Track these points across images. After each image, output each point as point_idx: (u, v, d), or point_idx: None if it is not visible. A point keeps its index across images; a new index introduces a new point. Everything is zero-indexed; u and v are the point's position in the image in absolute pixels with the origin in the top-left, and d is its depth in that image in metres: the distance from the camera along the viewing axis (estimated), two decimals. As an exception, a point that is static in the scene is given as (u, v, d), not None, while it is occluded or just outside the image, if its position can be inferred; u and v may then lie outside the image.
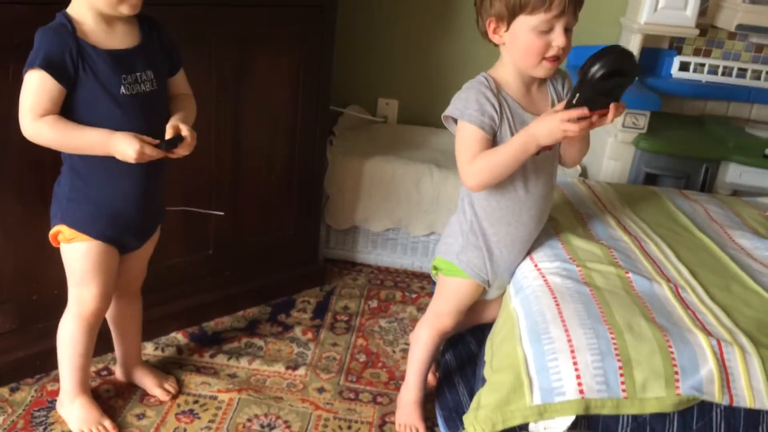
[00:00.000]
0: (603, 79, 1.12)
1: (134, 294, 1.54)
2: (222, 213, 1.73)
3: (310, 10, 1.82)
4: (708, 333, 1.16)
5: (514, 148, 1.27)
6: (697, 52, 2.43)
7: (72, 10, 1.20)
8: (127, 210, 1.33)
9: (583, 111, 1.17)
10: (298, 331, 1.88)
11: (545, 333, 1.19)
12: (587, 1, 2.35)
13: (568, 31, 1.26)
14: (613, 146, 2.13)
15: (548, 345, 1.17)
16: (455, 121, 1.34)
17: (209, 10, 1.61)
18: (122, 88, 1.22)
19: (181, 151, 1.29)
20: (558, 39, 1.25)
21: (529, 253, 1.47)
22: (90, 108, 1.21)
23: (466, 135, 1.32)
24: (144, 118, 1.26)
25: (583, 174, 2.28)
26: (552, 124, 1.21)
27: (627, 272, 1.34)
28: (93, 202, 1.30)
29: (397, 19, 2.48)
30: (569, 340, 1.16)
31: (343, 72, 2.43)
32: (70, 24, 1.18)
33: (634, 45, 2.24)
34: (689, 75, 2.38)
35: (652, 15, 2.17)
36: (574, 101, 1.18)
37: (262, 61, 1.76)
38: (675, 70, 2.38)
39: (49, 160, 1.38)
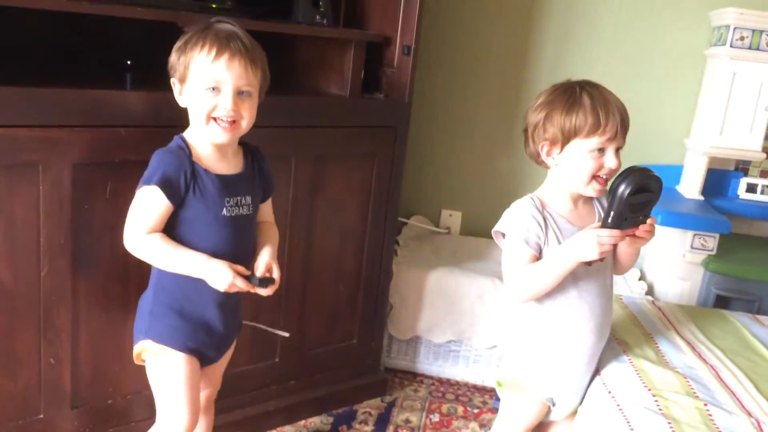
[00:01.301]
0: (630, 195, 1.23)
1: (209, 406, 1.55)
2: (288, 334, 1.76)
3: (383, 130, 1.91)
4: (797, 476, 1.11)
5: (553, 263, 1.32)
6: (764, 174, 2.43)
7: (188, 135, 1.31)
8: (211, 321, 1.36)
9: (614, 232, 1.26)
10: (359, 445, 1.86)
11: (623, 467, 1.16)
12: (652, 121, 2.45)
13: (617, 152, 1.32)
14: (682, 266, 2.11)
15: (627, 480, 1.13)
16: (504, 236, 1.40)
17: (291, 131, 1.71)
18: (224, 209, 1.31)
19: (268, 292, 1.34)
20: (610, 161, 1.32)
21: (597, 373, 1.45)
22: (190, 225, 1.29)
23: (512, 250, 1.38)
24: (237, 239, 1.33)
25: (650, 293, 2.25)
26: (588, 241, 1.27)
27: (706, 404, 1.30)
28: (177, 314, 1.33)
29: (462, 133, 2.58)
30: (649, 477, 1.12)
31: (409, 183, 2.51)
32: (187, 148, 1.29)
33: (699, 167, 2.26)
34: (757, 197, 2.37)
35: (718, 138, 2.20)
36: (609, 220, 1.26)
37: (335, 176, 1.85)
38: (742, 192, 2.37)
39: (135, 273, 1.46)
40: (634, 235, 1.31)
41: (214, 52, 1.22)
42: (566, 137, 1.33)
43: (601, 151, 1.32)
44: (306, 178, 1.78)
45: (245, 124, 1.29)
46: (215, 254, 1.28)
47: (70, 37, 1.70)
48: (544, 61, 2.48)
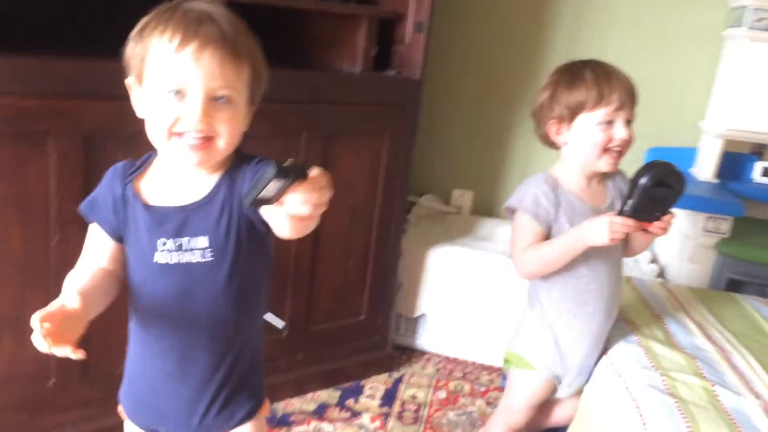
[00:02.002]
0: (651, 188, 1.22)
1: None
2: (284, 323, 1.77)
3: (395, 107, 1.90)
4: (803, 457, 1.11)
5: (563, 244, 1.33)
6: (780, 157, 2.40)
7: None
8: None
9: (628, 221, 1.26)
10: (366, 418, 1.87)
11: (627, 444, 1.16)
12: (667, 103, 2.42)
13: (628, 124, 1.31)
14: (694, 250, 2.09)
15: (631, 458, 1.14)
16: (514, 212, 1.41)
17: (301, 107, 1.70)
18: (155, 254, 0.96)
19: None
20: (620, 132, 1.31)
21: (604, 353, 1.45)
22: (131, 270, 1.01)
23: (520, 225, 1.38)
24: (185, 299, 0.98)
25: (661, 275, 2.24)
26: (601, 228, 1.27)
27: (713, 385, 1.30)
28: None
29: (474, 112, 2.56)
30: (653, 454, 1.12)
31: (420, 162, 2.50)
32: (138, 165, 1.03)
33: (714, 149, 2.23)
34: (772, 180, 2.34)
35: (734, 121, 2.17)
36: (625, 209, 1.26)
37: (346, 153, 1.84)
38: (757, 175, 2.35)
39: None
40: (646, 229, 1.30)
41: (177, 39, 0.87)
42: (573, 113, 1.34)
43: (610, 123, 1.31)
44: (316, 154, 1.77)
45: (222, 142, 0.92)
46: (160, 313, 0.99)
47: (85, 9, 1.70)
48: (558, 41, 2.45)
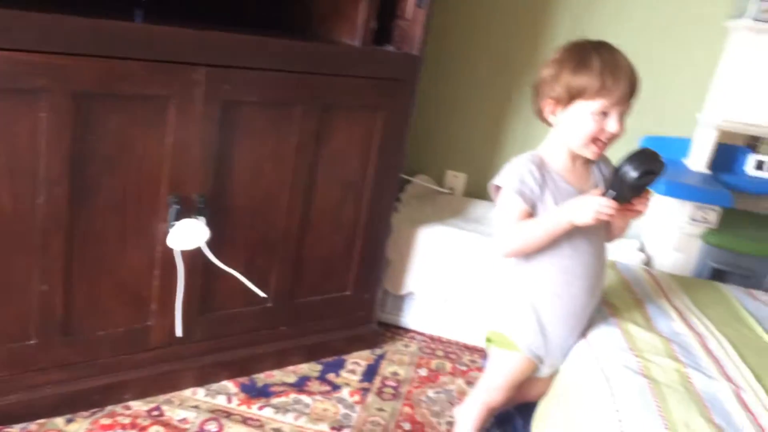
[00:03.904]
0: (638, 179, 1.25)
1: None
2: (265, 296, 1.78)
3: (392, 83, 1.90)
4: (769, 440, 1.12)
5: (547, 222, 1.34)
6: (773, 151, 2.40)
7: None
8: None
9: (613, 203, 1.27)
10: (345, 392, 1.89)
11: (598, 424, 1.17)
12: (665, 94, 2.42)
13: (622, 117, 1.31)
14: (680, 238, 2.10)
15: (600, 434, 1.15)
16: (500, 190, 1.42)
17: (298, 78, 1.70)
18: None
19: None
20: (612, 125, 1.31)
21: (584, 335, 1.46)
22: None
23: (506, 203, 1.39)
24: None
25: (647, 263, 2.24)
26: (586, 207, 1.29)
27: (687, 368, 1.31)
28: None
29: (472, 94, 2.56)
30: (622, 432, 1.13)
31: (415, 142, 2.50)
32: None
33: (708, 140, 2.24)
34: (764, 174, 2.34)
35: (730, 113, 2.17)
36: (610, 194, 1.28)
37: (341, 126, 1.84)
38: (750, 168, 2.35)
39: (132, 209, 1.46)
40: (628, 209, 1.32)
41: None
42: (571, 97, 1.32)
43: (605, 114, 1.30)
44: (311, 126, 1.77)
45: None
46: None
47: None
48: (560, 26, 2.44)
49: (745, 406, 1.22)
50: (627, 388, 1.23)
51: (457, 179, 2.65)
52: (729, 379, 1.31)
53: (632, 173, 1.24)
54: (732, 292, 1.78)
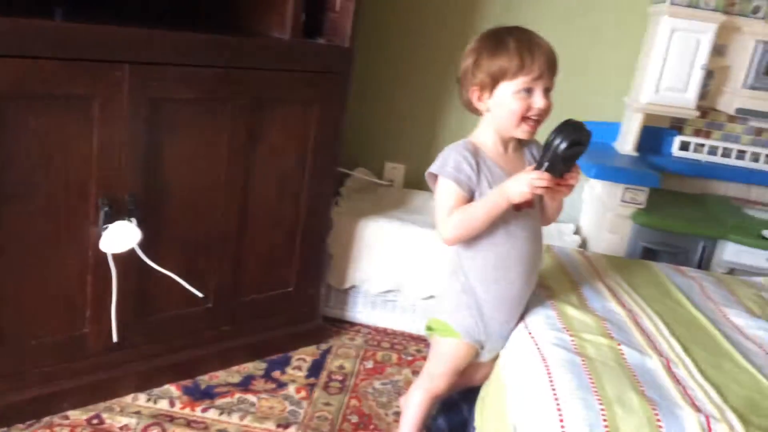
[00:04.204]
0: (566, 149, 1.28)
1: None
2: (203, 296, 1.75)
3: (324, 76, 1.89)
4: (697, 409, 1.16)
5: (486, 203, 1.36)
6: (697, 133, 2.49)
7: None
8: None
9: (546, 175, 1.30)
10: (291, 389, 1.88)
11: (535, 402, 1.20)
12: (594, 79, 2.48)
13: (547, 93, 1.34)
14: (612, 220, 2.16)
15: (538, 414, 1.17)
16: (436, 179, 1.43)
17: (228, 72, 1.67)
18: None
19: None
20: (538, 101, 1.34)
21: (522, 319, 1.49)
22: None
23: (443, 190, 1.40)
24: None
25: (583, 246, 2.30)
26: (521, 183, 1.31)
27: (619, 344, 1.35)
28: None
29: (408, 85, 2.57)
30: (559, 410, 1.16)
31: (353, 135, 2.50)
32: None
33: (635, 123, 2.30)
34: (689, 154, 2.44)
35: (654, 96, 2.24)
36: (542, 167, 1.31)
37: (274, 122, 1.82)
38: (676, 149, 2.44)
39: (66, 213, 1.41)
40: (559, 185, 1.35)
41: None
42: (494, 80, 1.35)
43: (529, 91, 1.34)
44: (244, 122, 1.75)
45: None
46: None
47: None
48: (492, 13, 2.47)
49: (675, 379, 1.27)
50: (563, 367, 1.26)
51: (396, 171, 2.66)
52: (660, 353, 1.35)
53: (562, 144, 1.27)
54: (662, 269, 1.84)
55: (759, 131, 2.49)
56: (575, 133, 1.28)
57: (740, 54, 2.30)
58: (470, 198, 1.40)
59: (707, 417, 1.14)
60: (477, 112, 1.46)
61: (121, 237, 1.54)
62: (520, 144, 1.48)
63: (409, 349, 2.19)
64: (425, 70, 2.55)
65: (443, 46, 2.52)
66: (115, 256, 1.56)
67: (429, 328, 1.55)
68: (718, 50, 2.30)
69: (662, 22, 2.19)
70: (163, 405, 1.74)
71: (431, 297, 2.22)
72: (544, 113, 1.37)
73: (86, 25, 1.42)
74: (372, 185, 2.62)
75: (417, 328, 2.28)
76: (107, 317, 1.63)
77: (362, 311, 2.30)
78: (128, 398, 1.74)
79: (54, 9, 1.59)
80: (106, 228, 1.53)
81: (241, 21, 1.93)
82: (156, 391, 1.79)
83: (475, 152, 1.41)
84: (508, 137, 1.43)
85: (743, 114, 2.31)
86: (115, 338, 1.65)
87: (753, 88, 2.27)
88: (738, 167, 2.43)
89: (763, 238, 2.10)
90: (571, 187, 1.39)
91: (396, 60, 2.55)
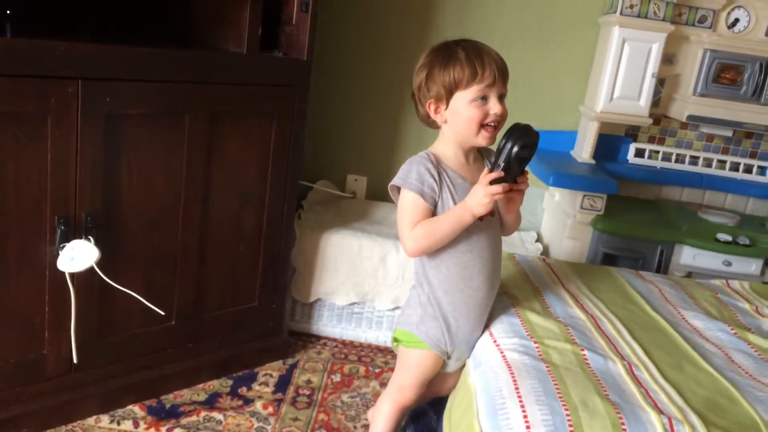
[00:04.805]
0: (518, 151, 1.32)
1: None
2: (163, 313, 1.72)
3: (283, 89, 1.88)
4: (660, 411, 1.19)
5: (451, 218, 1.38)
6: (651, 140, 2.55)
7: None
8: None
9: (500, 173, 1.34)
10: (258, 405, 1.86)
11: (502, 409, 1.21)
12: (550, 89, 2.52)
13: (501, 99, 1.37)
14: (572, 226, 2.20)
15: (504, 421, 1.18)
16: (399, 191, 1.44)
17: (183, 87, 1.66)
18: None
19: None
20: (494, 107, 1.38)
21: (487, 327, 1.51)
22: None
23: (407, 202, 1.41)
24: None
25: (545, 253, 2.34)
26: (479, 194, 1.34)
27: (582, 349, 1.37)
28: None
29: (367, 98, 2.58)
30: (525, 416, 1.17)
31: (315, 148, 2.50)
32: None
33: (591, 132, 2.35)
34: (644, 161, 2.49)
35: (608, 104, 2.29)
36: (497, 170, 1.35)
37: (233, 136, 1.81)
38: (631, 156, 2.49)
39: (14, 231, 1.38)
40: (512, 189, 1.38)
41: None
42: (448, 91, 1.38)
43: (484, 99, 1.36)
44: (201, 136, 1.73)
45: None
46: None
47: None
48: (447, 24, 2.50)
49: (637, 381, 1.29)
50: (528, 374, 1.27)
51: (358, 183, 2.66)
52: (622, 356, 1.38)
53: (514, 147, 1.32)
54: (622, 274, 1.88)
55: (710, 137, 2.56)
56: (525, 136, 1.33)
57: (689, 62, 2.38)
58: (434, 209, 1.41)
59: (669, 418, 1.16)
60: (435, 126, 1.48)
61: (78, 256, 1.51)
62: (480, 154, 1.50)
63: (377, 361, 2.18)
64: (385, 83, 2.56)
65: (401, 60, 2.53)
66: (74, 276, 1.53)
67: (395, 340, 1.55)
68: (668, 59, 2.37)
69: (613, 32, 2.25)
70: (127, 426, 1.71)
71: (397, 308, 2.22)
72: (502, 119, 1.40)
73: (35, 41, 1.39)
74: (334, 197, 2.62)
75: (384, 340, 2.27)
76: (67, 338, 1.59)
77: (328, 324, 2.29)
78: (91, 420, 1.70)
79: (3, 25, 1.56)
80: (63, 247, 1.50)
81: (198, 35, 1.91)
82: (119, 411, 1.75)
83: (437, 163, 1.42)
84: (468, 147, 1.45)
85: (694, 120, 2.38)
86: (75, 359, 1.61)
87: (702, 95, 2.34)
88: (691, 172, 2.50)
89: (719, 241, 2.16)
90: (522, 193, 1.42)
91: (356, 74, 2.56)
